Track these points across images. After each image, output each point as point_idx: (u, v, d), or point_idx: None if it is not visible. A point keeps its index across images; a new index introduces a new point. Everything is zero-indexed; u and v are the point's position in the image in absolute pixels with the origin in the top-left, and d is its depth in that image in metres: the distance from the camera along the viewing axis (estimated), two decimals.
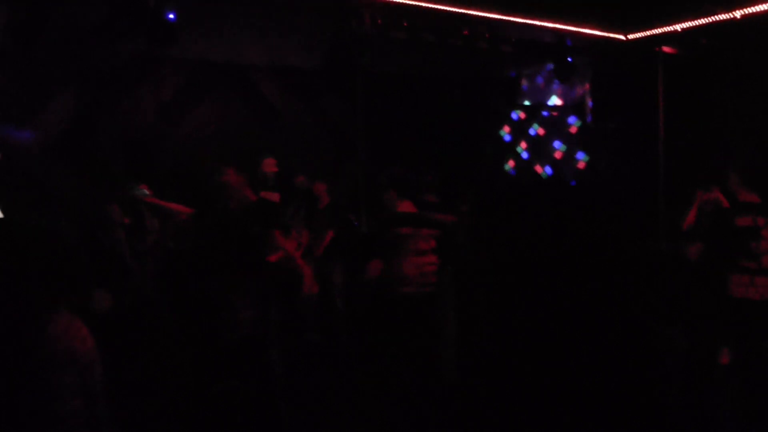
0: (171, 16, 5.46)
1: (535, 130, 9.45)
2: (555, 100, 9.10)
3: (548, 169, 9.21)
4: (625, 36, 7.58)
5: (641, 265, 6.06)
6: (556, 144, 9.11)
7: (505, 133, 9.93)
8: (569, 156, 8.94)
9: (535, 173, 9.35)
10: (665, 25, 7.25)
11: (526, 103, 9.45)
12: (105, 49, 6.80)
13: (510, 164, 9.78)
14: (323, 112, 8.42)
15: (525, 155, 9.62)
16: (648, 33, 7.46)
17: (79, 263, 2.03)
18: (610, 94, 8.26)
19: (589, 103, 8.50)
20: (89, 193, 6.25)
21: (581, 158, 8.76)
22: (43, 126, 6.76)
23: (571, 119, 8.88)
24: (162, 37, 5.74)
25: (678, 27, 7.17)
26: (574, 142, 8.89)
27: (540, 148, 9.37)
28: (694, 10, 6.88)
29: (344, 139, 8.29)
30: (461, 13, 6.67)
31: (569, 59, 7.81)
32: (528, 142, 9.60)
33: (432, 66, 8.20)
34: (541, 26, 7.15)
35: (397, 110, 8.20)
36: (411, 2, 6.54)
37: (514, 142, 9.77)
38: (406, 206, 4.65)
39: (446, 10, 6.62)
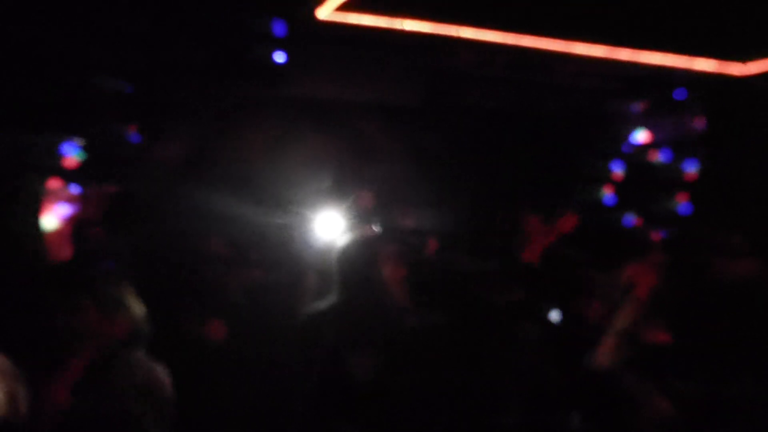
0: (281, 59, 5.61)
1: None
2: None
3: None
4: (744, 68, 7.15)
5: None
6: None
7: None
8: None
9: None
10: None
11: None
12: (213, 90, 7.10)
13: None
14: (422, 150, 8.40)
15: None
16: None
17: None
18: (726, 132, 7.73)
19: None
20: (193, 226, 6.44)
21: None
22: (155, 162, 7.11)
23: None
24: (270, 80, 5.94)
25: None
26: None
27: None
28: None
29: (443, 176, 8.21)
30: (565, 51, 6.50)
31: (680, 94, 7.44)
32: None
33: (533, 102, 8.02)
34: (649, 59, 6.86)
35: (497, 148, 8.04)
36: (511, 40, 6.43)
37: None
38: None
39: (549, 49, 6.48)
